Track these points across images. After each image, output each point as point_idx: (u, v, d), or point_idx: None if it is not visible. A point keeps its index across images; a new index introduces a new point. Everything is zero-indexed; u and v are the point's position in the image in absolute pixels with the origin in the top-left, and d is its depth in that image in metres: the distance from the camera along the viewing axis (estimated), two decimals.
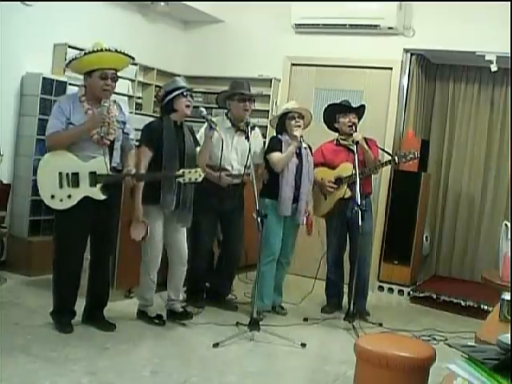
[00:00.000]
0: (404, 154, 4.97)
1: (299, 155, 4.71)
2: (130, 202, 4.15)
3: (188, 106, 4.22)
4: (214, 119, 4.41)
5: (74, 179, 3.77)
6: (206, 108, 4.56)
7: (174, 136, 4.17)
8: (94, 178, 3.79)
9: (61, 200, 3.78)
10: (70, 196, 3.78)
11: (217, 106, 5.65)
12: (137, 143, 4.29)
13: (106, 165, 3.81)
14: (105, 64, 3.83)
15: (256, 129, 4.91)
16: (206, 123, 4.28)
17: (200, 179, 3.94)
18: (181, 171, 3.92)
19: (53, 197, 3.78)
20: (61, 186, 3.76)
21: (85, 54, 3.78)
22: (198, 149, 4.34)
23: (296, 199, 4.68)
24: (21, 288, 4.86)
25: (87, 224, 3.89)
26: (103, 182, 3.81)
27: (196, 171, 3.92)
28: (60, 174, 3.77)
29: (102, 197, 3.82)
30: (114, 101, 3.98)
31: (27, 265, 5.13)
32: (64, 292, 3.94)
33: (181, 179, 3.94)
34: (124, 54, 3.90)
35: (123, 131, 4.00)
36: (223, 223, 4.87)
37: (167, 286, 4.39)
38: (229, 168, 4.68)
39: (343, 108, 4.98)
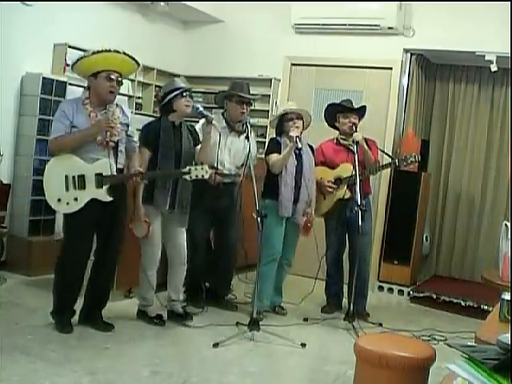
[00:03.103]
0: (405, 158, 4.88)
1: (298, 156, 4.71)
2: (131, 201, 4.16)
3: (187, 106, 4.23)
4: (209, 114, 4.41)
5: (81, 181, 3.76)
6: (205, 108, 4.55)
7: (170, 136, 4.18)
8: (101, 179, 3.78)
9: (67, 203, 3.77)
10: (76, 199, 3.76)
11: (217, 106, 5.64)
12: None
13: (110, 167, 3.81)
14: (111, 65, 3.82)
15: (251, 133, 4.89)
16: (204, 119, 4.28)
17: (207, 176, 3.93)
18: (187, 168, 3.91)
19: (59, 200, 3.77)
20: (67, 188, 3.75)
21: (93, 53, 3.77)
22: (199, 147, 4.33)
23: (297, 200, 4.68)
24: (21, 288, 4.86)
25: (94, 226, 3.88)
26: (110, 183, 3.80)
27: (202, 168, 3.91)
28: (66, 176, 3.76)
29: (109, 198, 3.81)
30: (117, 104, 3.97)
31: (27, 265, 5.14)
32: (66, 293, 3.94)
33: (187, 176, 3.93)
34: (131, 57, 3.89)
35: (127, 133, 4.00)
36: (217, 222, 4.86)
37: (167, 286, 4.40)
38: (220, 167, 4.68)
39: (344, 108, 4.98)
